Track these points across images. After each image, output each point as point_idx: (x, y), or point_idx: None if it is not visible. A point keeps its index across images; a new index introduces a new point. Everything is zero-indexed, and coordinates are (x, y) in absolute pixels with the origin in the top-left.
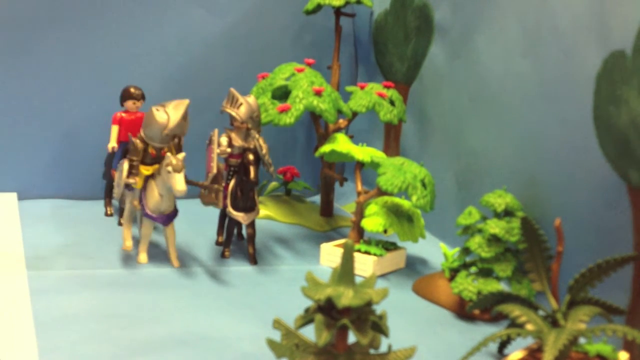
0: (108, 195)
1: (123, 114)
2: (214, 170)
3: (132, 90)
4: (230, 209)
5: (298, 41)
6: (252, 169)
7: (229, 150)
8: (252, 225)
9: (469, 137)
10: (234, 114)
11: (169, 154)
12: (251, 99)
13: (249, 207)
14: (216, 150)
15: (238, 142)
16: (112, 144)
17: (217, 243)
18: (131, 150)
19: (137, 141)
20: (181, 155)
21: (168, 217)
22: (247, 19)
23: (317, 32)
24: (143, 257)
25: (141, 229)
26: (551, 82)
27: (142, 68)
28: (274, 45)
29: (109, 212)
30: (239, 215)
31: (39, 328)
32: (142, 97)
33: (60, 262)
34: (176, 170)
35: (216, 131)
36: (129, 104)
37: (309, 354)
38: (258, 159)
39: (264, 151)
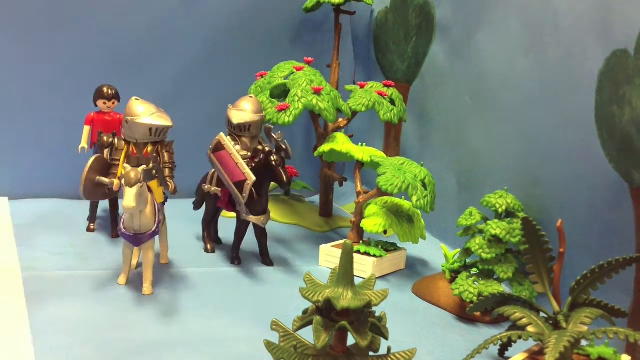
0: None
1: (94, 114)
2: (253, 177)
3: (104, 89)
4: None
5: (297, 39)
6: (282, 172)
7: (242, 153)
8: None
9: (470, 137)
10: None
11: (126, 164)
12: (253, 99)
13: (264, 209)
14: (238, 155)
15: (246, 144)
16: (82, 144)
17: (207, 250)
18: (113, 150)
19: (119, 140)
20: (140, 168)
21: (138, 238)
22: (245, 16)
23: (317, 30)
24: (122, 278)
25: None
26: (553, 81)
27: (139, 68)
28: (272, 43)
29: (91, 228)
30: (257, 219)
31: (34, 331)
32: (114, 96)
33: (55, 263)
34: (127, 184)
35: (222, 134)
36: (100, 103)
37: (308, 356)
38: (283, 160)
39: (290, 152)
